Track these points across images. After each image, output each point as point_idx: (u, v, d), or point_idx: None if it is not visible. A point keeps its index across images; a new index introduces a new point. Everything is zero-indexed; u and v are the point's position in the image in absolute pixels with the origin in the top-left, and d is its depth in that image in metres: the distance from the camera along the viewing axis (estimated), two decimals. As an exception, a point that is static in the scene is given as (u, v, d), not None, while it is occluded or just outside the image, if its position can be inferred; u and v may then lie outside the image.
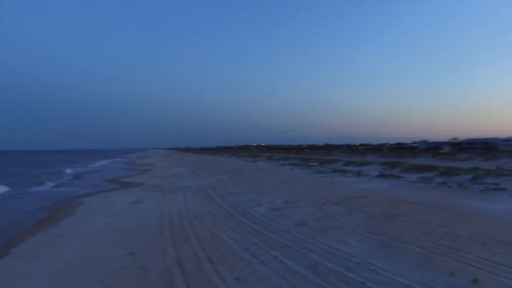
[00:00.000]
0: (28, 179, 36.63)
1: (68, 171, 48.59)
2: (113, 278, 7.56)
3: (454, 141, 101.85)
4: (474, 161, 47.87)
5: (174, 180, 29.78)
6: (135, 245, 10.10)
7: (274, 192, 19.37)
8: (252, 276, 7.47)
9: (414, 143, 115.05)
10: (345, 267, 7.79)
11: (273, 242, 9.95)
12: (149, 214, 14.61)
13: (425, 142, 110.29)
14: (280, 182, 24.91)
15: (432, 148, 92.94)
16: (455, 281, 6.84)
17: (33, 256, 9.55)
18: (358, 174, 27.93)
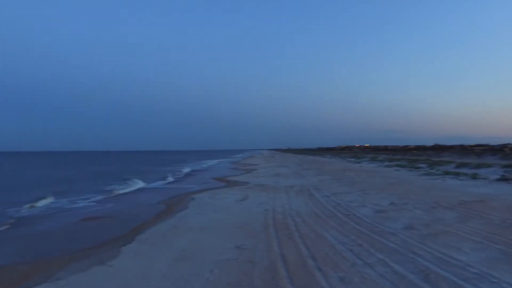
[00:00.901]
0: (149, 176, 40.58)
1: (181, 169, 52.68)
2: (222, 269, 8.00)
3: None
4: None
5: (277, 179, 30.33)
6: (241, 239, 10.54)
7: (379, 194, 18.56)
8: (356, 277, 7.27)
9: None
10: (461, 276, 7.12)
11: (379, 244, 9.55)
12: (254, 211, 15.12)
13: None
14: (385, 183, 23.77)
15: None
16: None
17: (153, 243, 10.57)
18: (474, 177, 25.29)
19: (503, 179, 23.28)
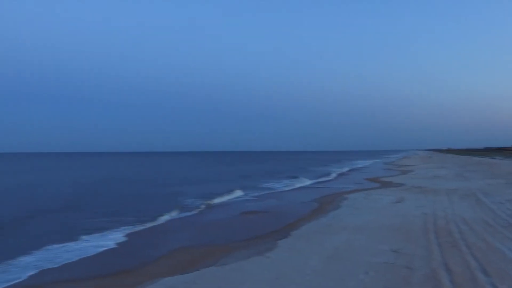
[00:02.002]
0: (307, 175, 41.57)
1: (334, 169, 52.43)
2: (377, 271, 7.56)
3: None
4: None
5: (436, 181, 27.50)
6: (398, 243, 9.82)
7: None
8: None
9: None
10: None
11: None
12: (410, 214, 13.97)
13: None
14: None
15: None
16: None
17: (308, 239, 10.69)
18: None
19: None
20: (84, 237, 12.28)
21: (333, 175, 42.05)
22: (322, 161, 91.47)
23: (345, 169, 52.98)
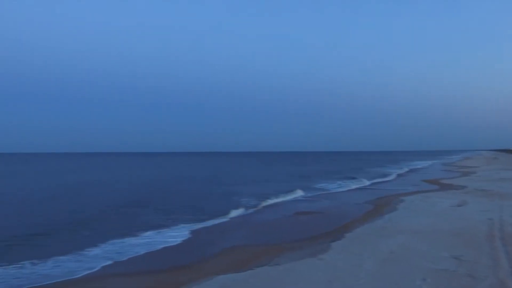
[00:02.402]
0: (364, 176, 40.52)
1: (390, 170, 50.57)
2: (436, 279, 7.18)
3: None
4: None
5: (503, 184, 25.55)
6: (459, 249, 9.26)
7: None
8: None
9: None
10: None
11: None
12: (473, 219, 13.11)
13: None
14: None
15: None
16: None
17: (362, 242, 10.42)
18: None
19: None
20: (148, 233, 12.95)
21: (389, 176, 40.55)
22: (378, 161, 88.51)
23: (402, 170, 50.88)
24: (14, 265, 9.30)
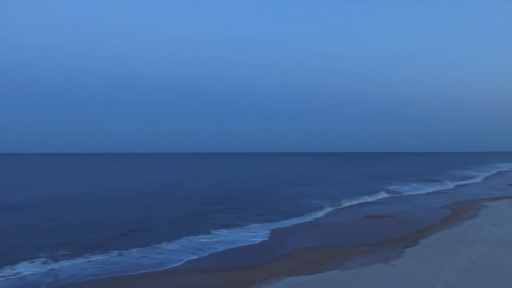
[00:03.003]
0: (445, 178, 38.04)
1: (473, 173, 46.77)
2: (525, 294, 6.56)
3: None
4: None
5: None
6: (553, 262, 8.33)
7: None
8: None
9: None
10: None
11: None
12: None
13: None
14: None
15: None
16: None
17: (438, 249, 9.82)
18: None
19: None
20: (226, 231, 13.65)
21: (473, 179, 37.48)
22: (460, 163, 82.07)
23: (486, 173, 46.71)
24: (104, 254, 10.43)
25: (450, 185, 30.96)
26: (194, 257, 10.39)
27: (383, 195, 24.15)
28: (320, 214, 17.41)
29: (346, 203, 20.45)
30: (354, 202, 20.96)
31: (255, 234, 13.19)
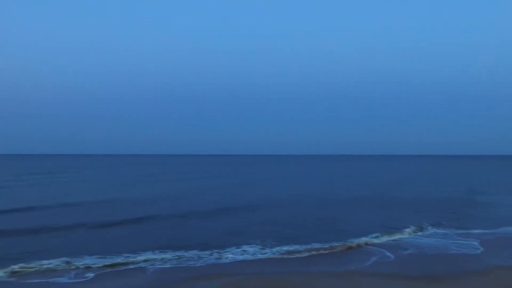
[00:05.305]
0: None
1: None
2: None
3: None
4: None
5: None
6: None
7: None
8: None
9: None
10: None
11: None
12: None
13: None
14: None
15: None
16: None
17: None
18: None
19: None
20: (411, 236, 13.38)
21: None
22: None
23: None
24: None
25: None
26: (387, 259, 10.37)
27: None
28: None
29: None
30: None
31: (471, 244, 12.21)
